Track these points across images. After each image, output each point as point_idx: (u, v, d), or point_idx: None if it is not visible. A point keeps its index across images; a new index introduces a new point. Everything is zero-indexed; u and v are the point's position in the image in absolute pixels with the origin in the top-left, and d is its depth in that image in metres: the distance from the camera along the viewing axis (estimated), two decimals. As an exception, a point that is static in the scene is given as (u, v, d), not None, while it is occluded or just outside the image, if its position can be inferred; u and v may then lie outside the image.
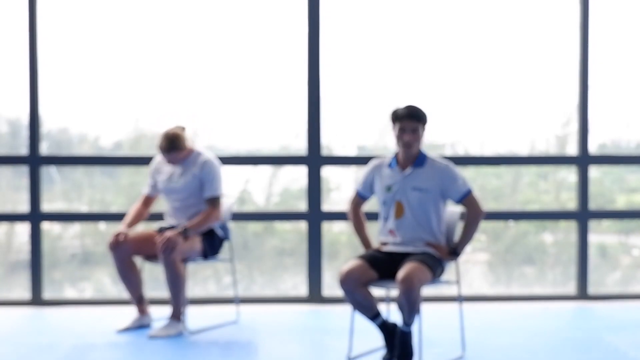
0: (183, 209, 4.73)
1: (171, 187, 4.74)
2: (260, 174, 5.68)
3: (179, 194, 4.72)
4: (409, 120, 3.91)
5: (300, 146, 5.53)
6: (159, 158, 4.85)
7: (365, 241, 4.16)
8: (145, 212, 4.87)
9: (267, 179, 5.69)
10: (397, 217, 4.00)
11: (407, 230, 3.99)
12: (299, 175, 5.64)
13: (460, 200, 3.97)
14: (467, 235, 3.99)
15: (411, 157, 3.99)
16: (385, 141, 5.62)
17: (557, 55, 5.61)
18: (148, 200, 4.88)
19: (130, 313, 4.90)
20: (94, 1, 5.48)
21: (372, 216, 4.42)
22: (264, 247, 5.71)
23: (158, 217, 5.16)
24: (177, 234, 4.49)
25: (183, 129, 4.70)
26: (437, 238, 4.01)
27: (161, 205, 5.08)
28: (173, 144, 4.60)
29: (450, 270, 4.18)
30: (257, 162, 5.54)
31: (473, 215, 3.97)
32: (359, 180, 4.18)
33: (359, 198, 4.18)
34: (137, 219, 4.80)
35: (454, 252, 3.99)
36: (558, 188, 5.86)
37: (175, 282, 4.53)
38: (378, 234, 4.12)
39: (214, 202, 4.69)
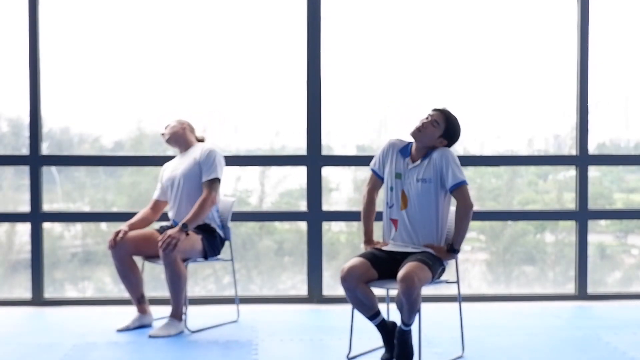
0: (184, 197, 4.74)
1: (174, 176, 4.76)
2: (251, 173, 5.68)
3: (179, 180, 4.73)
4: (435, 109, 4.04)
5: (298, 145, 5.54)
6: (166, 165, 4.91)
7: (368, 232, 4.15)
8: (153, 217, 4.90)
9: (257, 178, 5.70)
10: (402, 208, 4.02)
11: (411, 223, 4.00)
12: (290, 172, 5.65)
13: (452, 189, 3.97)
14: (460, 231, 3.99)
15: (423, 150, 4.02)
16: (384, 140, 5.62)
17: (557, 55, 5.62)
18: (157, 205, 4.91)
19: (130, 312, 4.90)
20: (95, 1, 5.49)
21: (378, 216, 4.40)
22: (264, 247, 5.72)
23: (162, 217, 5.16)
24: (178, 230, 4.50)
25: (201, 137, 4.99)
26: (438, 233, 4.02)
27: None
28: (175, 118, 4.87)
29: (450, 270, 4.19)
30: (256, 162, 5.55)
31: (463, 208, 3.97)
32: (374, 160, 4.18)
33: (376, 178, 4.17)
34: (142, 222, 4.83)
35: (452, 249, 4.00)
36: (558, 188, 5.87)
37: (176, 281, 4.54)
38: (383, 225, 4.13)
39: (211, 184, 4.68)
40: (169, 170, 4.85)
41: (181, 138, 4.84)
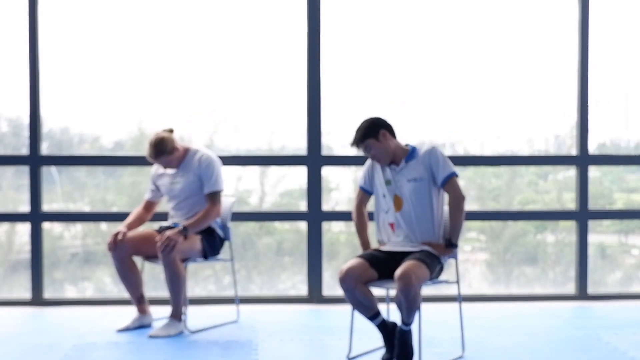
0: (187, 209, 4.74)
1: (173, 190, 4.76)
2: (251, 173, 5.68)
3: (181, 195, 4.74)
4: (356, 146, 4.05)
5: (298, 145, 5.54)
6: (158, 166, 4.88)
7: (365, 242, 4.18)
8: (147, 217, 4.90)
9: (258, 178, 5.70)
10: (397, 210, 4.03)
11: (407, 223, 4.01)
12: (288, 171, 5.65)
13: (443, 183, 3.99)
14: (456, 224, 4.00)
15: (400, 154, 4.06)
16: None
17: (557, 55, 5.62)
18: (150, 205, 4.91)
19: (130, 313, 4.90)
20: (95, 1, 5.49)
21: (371, 216, 4.42)
22: (264, 247, 5.71)
23: (161, 216, 5.16)
24: (177, 232, 4.50)
25: (170, 131, 4.72)
26: (435, 228, 4.02)
27: (162, 206, 5.08)
28: (159, 149, 4.59)
29: (450, 270, 4.19)
30: (256, 162, 5.55)
31: (454, 200, 3.99)
32: (360, 176, 4.23)
33: (363, 193, 4.21)
34: (137, 222, 4.83)
35: (450, 244, 4.00)
36: (558, 188, 5.87)
37: (175, 281, 4.54)
38: (376, 231, 4.14)
39: (214, 197, 4.69)
40: (166, 182, 4.78)
41: (180, 157, 4.75)
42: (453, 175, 4.00)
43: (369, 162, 4.19)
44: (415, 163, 4.02)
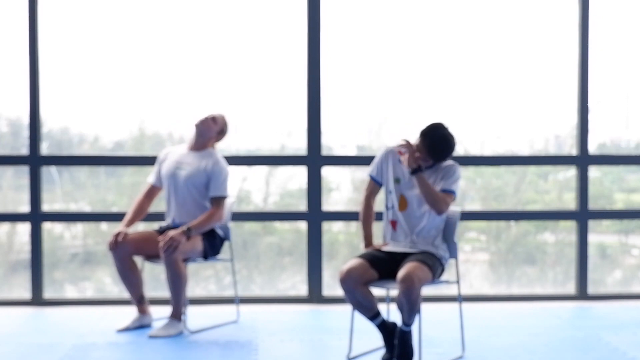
0: (183, 200, 4.71)
1: (175, 175, 4.71)
2: (256, 173, 5.68)
3: (179, 182, 4.70)
4: (428, 154, 3.93)
5: (298, 145, 5.54)
6: (169, 150, 4.87)
7: (367, 237, 4.16)
8: (147, 205, 4.84)
9: (264, 178, 5.70)
10: (400, 209, 4.03)
11: (409, 225, 4.02)
12: (294, 172, 5.65)
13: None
14: (429, 190, 3.90)
15: None
16: (383, 141, 5.62)
17: (557, 56, 5.62)
18: (152, 191, 4.85)
19: (130, 313, 4.90)
20: (95, 1, 5.49)
21: (378, 216, 4.40)
22: (264, 247, 5.71)
23: (158, 217, 5.16)
24: (180, 233, 4.49)
25: None
26: (437, 237, 4.02)
27: (161, 205, 5.08)
28: (224, 119, 4.80)
29: (450, 270, 4.19)
30: (257, 162, 5.55)
31: (438, 206, 3.91)
32: (372, 166, 4.17)
33: (374, 184, 4.16)
34: (137, 214, 4.79)
35: (418, 169, 3.92)
36: (558, 188, 5.87)
37: (177, 281, 4.54)
38: (384, 226, 4.13)
39: (219, 202, 4.69)
40: (172, 162, 4.77)
41: (207, 138, 4.77)
42: (451, 193, 3.96)
43: (383, 152, 4.12)
44: (431, 172, 4.00)
